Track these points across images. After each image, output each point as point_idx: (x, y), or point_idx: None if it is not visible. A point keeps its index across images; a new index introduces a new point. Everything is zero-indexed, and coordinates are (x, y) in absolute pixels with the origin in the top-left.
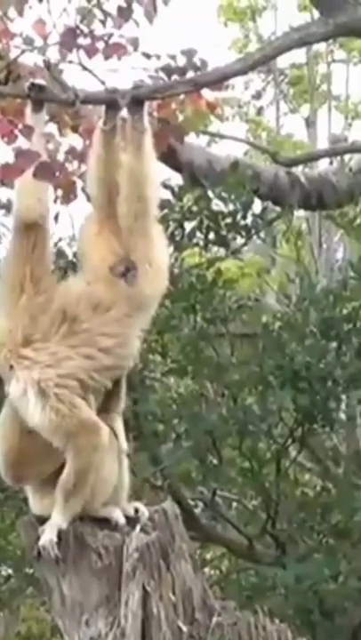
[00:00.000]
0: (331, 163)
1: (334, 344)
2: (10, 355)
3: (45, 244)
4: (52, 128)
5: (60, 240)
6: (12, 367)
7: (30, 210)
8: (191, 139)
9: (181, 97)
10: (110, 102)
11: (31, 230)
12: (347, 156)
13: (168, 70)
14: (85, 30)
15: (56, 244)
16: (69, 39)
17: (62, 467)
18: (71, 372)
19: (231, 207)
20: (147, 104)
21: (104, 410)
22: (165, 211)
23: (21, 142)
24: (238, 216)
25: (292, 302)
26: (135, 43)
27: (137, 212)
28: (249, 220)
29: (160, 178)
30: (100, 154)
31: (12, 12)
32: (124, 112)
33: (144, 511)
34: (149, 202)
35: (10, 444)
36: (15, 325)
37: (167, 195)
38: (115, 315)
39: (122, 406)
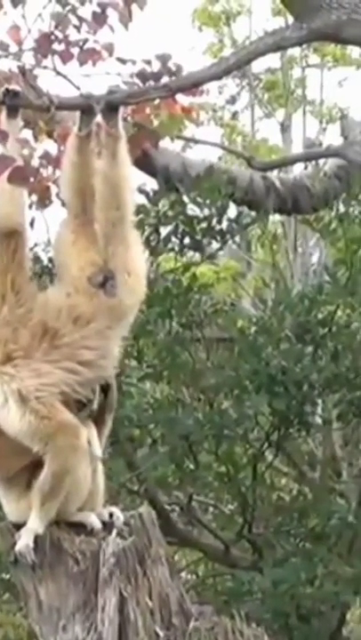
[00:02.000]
0: (305, 167)
1: (310, 348)
2: None
3: (24, 251)
4: (27, 134)
5: (35, 245)
6: None
7: (9, 218)
8: (166, 143)
9: (156, 102)
10: (85, 108)
11: (11, 238)
12: (321, 161)
13: (143, 75)
14: (60, 36)
15: (31, 250)
16: (44, 45)
17: (33, 468)
18: (54, 382)
19: (206, 212)
20: (121, 109)
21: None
22: (141, 216)
23: None
24: (214, 221)
25: (267, 307)
26: (110, 48)
27: (114, 220)
28: (224, 224)
29: (135, 183)
30: (75, 160)
31: None
32: (98, 118)
33: (119, 515)
34: (126, 208)
35: None
36: None
37: (142, 200)
38: (95, 327)
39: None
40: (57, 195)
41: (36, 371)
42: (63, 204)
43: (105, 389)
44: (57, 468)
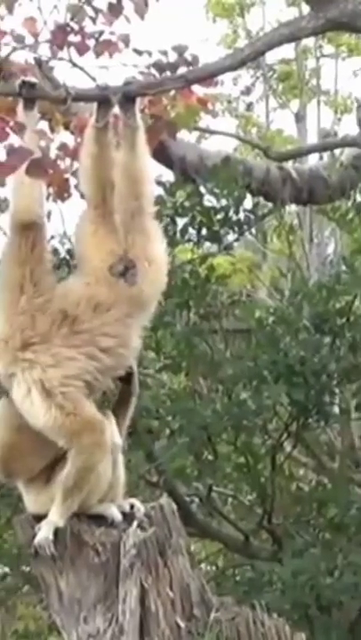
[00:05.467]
0: (321, 157)
1: (328, 338)
2: (9, 362)
3: (43, 243)
4: (44, 125)
5: (52, 238)
6: (12, 375)
7: (27, 210)
8: (182, 135)
9: (172, 93)
10: (102, 99)
11: (30, 230)
12: (337, 151)
13: (159, 66)
14: (76, 27)
15: (49, 242)
16: (60, 36)
17: (53, 464)
18: (76, 373)
19: (223, 203)
20: (138, 100)
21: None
22: (158, 207)
23: (13, 140)
24: (230, 211)
25: (285, 297)
26: (126, 39)
27: (134, 210)
28: (241, 215)
29: (154, 174)
30: (93, 151)
31: (2, 10)
32: (115, 109)
33: (140, 507)
34: (145, 199)
35: (0, 439)
36: (13, 330)
37: (160, 191)
38: (115, 315)
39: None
40: (75, 186)
41: (56, 356)
42: (82, 196)
43: (127, 378)
44: (81, 464)
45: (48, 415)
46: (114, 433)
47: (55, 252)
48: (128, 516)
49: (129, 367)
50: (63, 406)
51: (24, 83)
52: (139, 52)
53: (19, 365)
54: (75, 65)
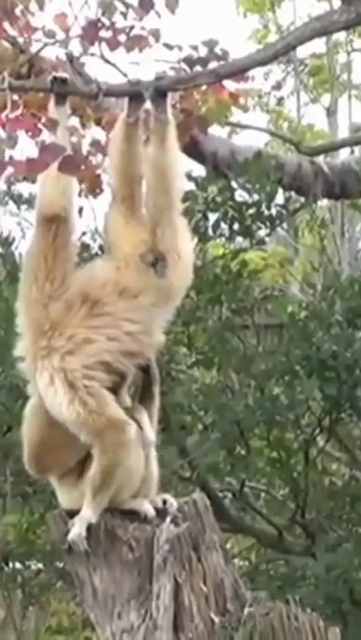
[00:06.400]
0: (352, 152)
1: None
2: (31, 354)
3: (67, 236)
4: (75, 121)
5: (83, 234)
6: (35, 367)
7: (52, 203)
8: (213, 130)
9: (203, 88)
10: (133, 94)
11: (52, 223)
12: None
13: (190, 61)
14: (107, 23)
15: (80, 238)
16: (91, 32)
17: (85, 458)
18: (95, 356)
19: (255, 197)
20: (170, 95)
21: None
22: (189, 202)
23: (45, 136)
24: (262, 206)
25: (317, 292)
26: (157, 34)
27: (162, 205)
28: (273, 210)
29: (184, 169)
30: (123, 146)
31: (33, 6)
32: (146, 104)
33: (173, 502)
34: (174, 194)
35: (33, 435)
36: (30, 321)
37: (191, 186)
38: (141, 302)
39: (156, 400)
40: (107, 182)
41: (72, 339)
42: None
43: (145, 369)
44: (106, 463)
45: (71, 408)
46: (146, 429)
47: (87, 247)
48: (161, 512)
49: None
50: (86, 402)
51: (55, 79)
52: (169, 47)
53: (38, 354)
54: (106, 60)
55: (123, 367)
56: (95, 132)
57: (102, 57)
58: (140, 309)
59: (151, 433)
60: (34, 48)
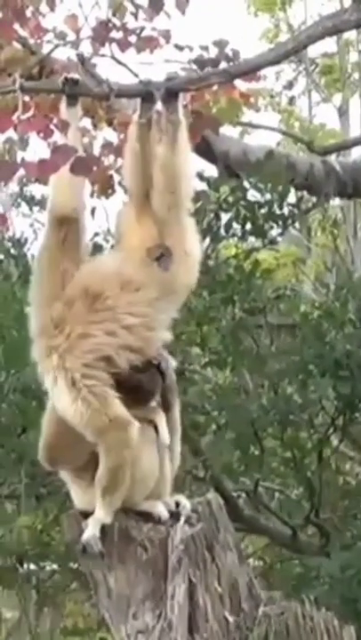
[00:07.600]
0: None
1: None
2: (38, 355)
3: (77, 237)
4: (87, 122)
5: (96, 235)
6: (42, 367)
7: (63, 205)
8: (225, 130)
9: (215, 88)
10: (145, 95)
11: (63, 224)
12: None
13: (201, 62)
14: (117, 23)
15: (92, 239)
16: (102, 33)
17: (98, 460)
18: (93, 352)
19: (267, 197)
20: (181, 96)
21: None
22: (201, 202)
23: (57, 137)
24: (274, 206)
25: (330, 291)
26: (167, 35)
27: (170, 204)
28: (285, 209)
29: (194, 170)
30: (136, 147)
31: (43, 8)
32: (158, 105)
33: (186, 504)
34: (181, 193)
35: (49, 426)
36: (37, 323)
37: (203, 186)
38: (143, 296)
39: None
40: (119, 183)
41: (69, 335)
42: (125, 191)
43: (161, 372)
44: (111, 463)
45: (75, 407)
46: (162, 431)
47: (99, 248)
48: (175, 513)
49: (156, 359)
50: (89, 402)
51: (67, 80)
52: (180, 48)
53: (43, 355)
54: (117, 61)
55: (125, 362)
56: (107, 134)
57: (113, 58)
58: (142, 303)
59: (166, 435)
60: (45, 49)
